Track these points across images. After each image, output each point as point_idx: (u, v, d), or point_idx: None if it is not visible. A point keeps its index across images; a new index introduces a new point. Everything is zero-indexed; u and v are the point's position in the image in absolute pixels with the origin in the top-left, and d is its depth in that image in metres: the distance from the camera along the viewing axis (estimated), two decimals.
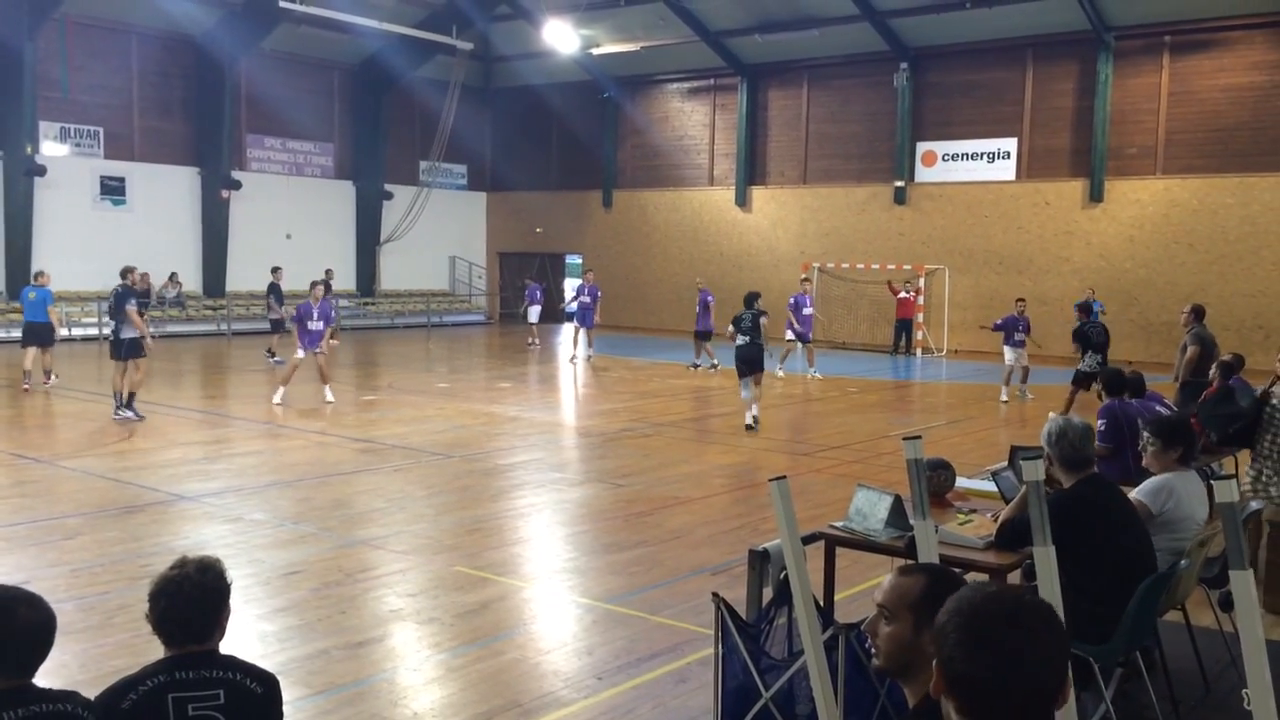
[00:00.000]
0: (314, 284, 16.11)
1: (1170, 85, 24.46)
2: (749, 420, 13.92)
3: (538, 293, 26.76)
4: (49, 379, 16.85)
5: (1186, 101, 24.29)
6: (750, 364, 13.97)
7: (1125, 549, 4.71)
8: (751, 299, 14.49)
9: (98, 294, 25.50)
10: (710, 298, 21.40)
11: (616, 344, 27.45)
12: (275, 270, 22.17)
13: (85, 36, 26.41)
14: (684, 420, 14.91)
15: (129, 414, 13.67)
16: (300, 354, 15.75)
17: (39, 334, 16.72)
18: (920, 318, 26.91)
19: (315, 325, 15.69)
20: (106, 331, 13.63)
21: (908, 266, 27.43)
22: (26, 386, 16.32)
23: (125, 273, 14.57)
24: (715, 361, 20.70)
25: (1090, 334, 14.83)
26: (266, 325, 23.01)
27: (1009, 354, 17.25)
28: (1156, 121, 24.65)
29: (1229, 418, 8.02)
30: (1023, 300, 18.36)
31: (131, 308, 13.95)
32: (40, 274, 17.33)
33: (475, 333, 31.11)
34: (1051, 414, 6.97)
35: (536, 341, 26.13)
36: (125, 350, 13.81)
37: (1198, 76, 24.15)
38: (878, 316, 28.08)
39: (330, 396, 15.66)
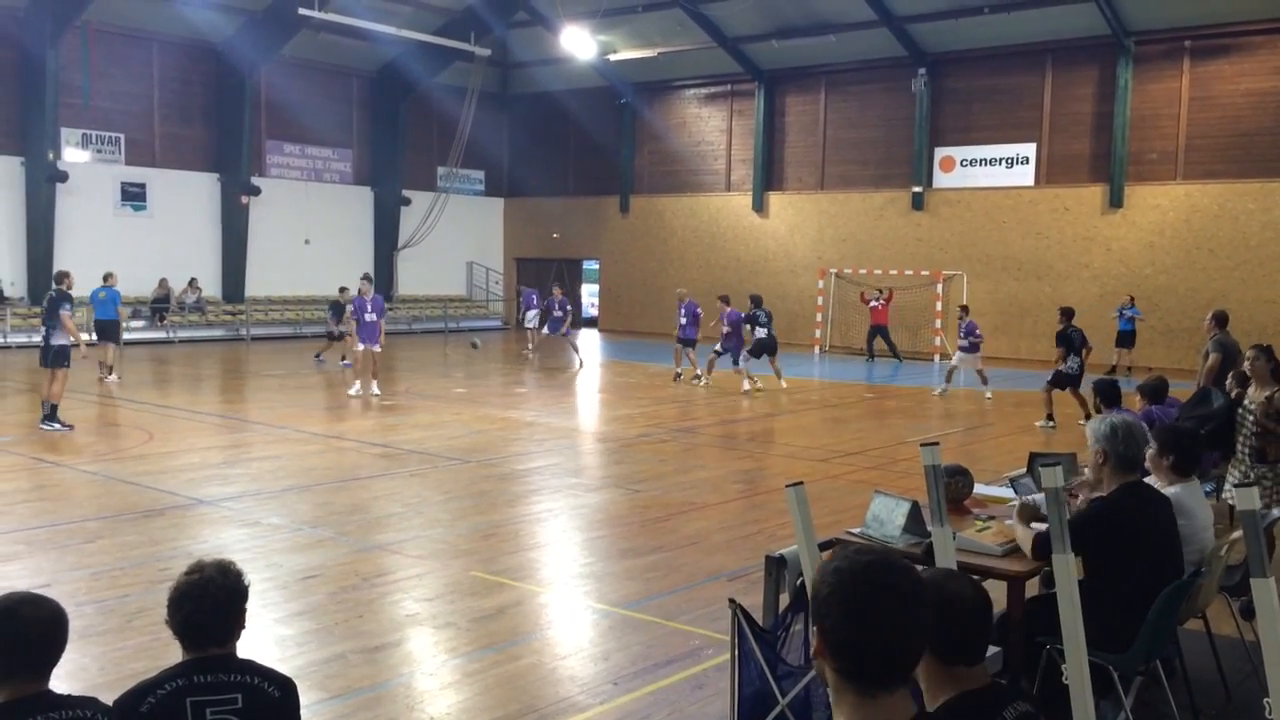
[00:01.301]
0: (364, 279, 17.50)
1: (1191, 90, 24.32)
2: (746, 386, 18.34)
3: (534, 298, 26.40)
4: (110, 374, 18.32)
5: (1207, 106, 24.15)
6: (770, 351, 18.78)
7: (1155, 559, 4.64)
8: (759, 300, 19.23)
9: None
10: (699, 309, 20.85)
11: (633, 350, 27.46)
12: (343, 290, 22.91)
13: (107, 44, 26.64)
14: (700, 425, 14.90)
15: (55, 426, 13.05)
16: (361, 347, 16.86)
17: (106, 331, 18.60)
18: (938, 324, 26.82)
19: (370, 317, 16.86)
20: (38, 338, 13.51)
21: (925, 272, 27.36)
22: (101, 377, 18.05)
23: (61, 277, 13.82)
24: (680, 371, 20.40)
25: (1073, 338, 15.47)
26: (321, 331, 24.69)
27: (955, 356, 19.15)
28: (1177, 127, 24.50)
29: (1203, 419, 7.96)
30: (964, 307, 19.71)
31: (66, 313, 13.29)
32: (109, 275, 19.03)
33: (492, 338, 31.16)
34: (1114, 412, 6.79)
35: (532, 348, 25.39)
36: (52, 358, 13.22)
37: (1219, 81, 24.00)
38: (894, 323, 27.96)
39: (376, 389, 16.80)
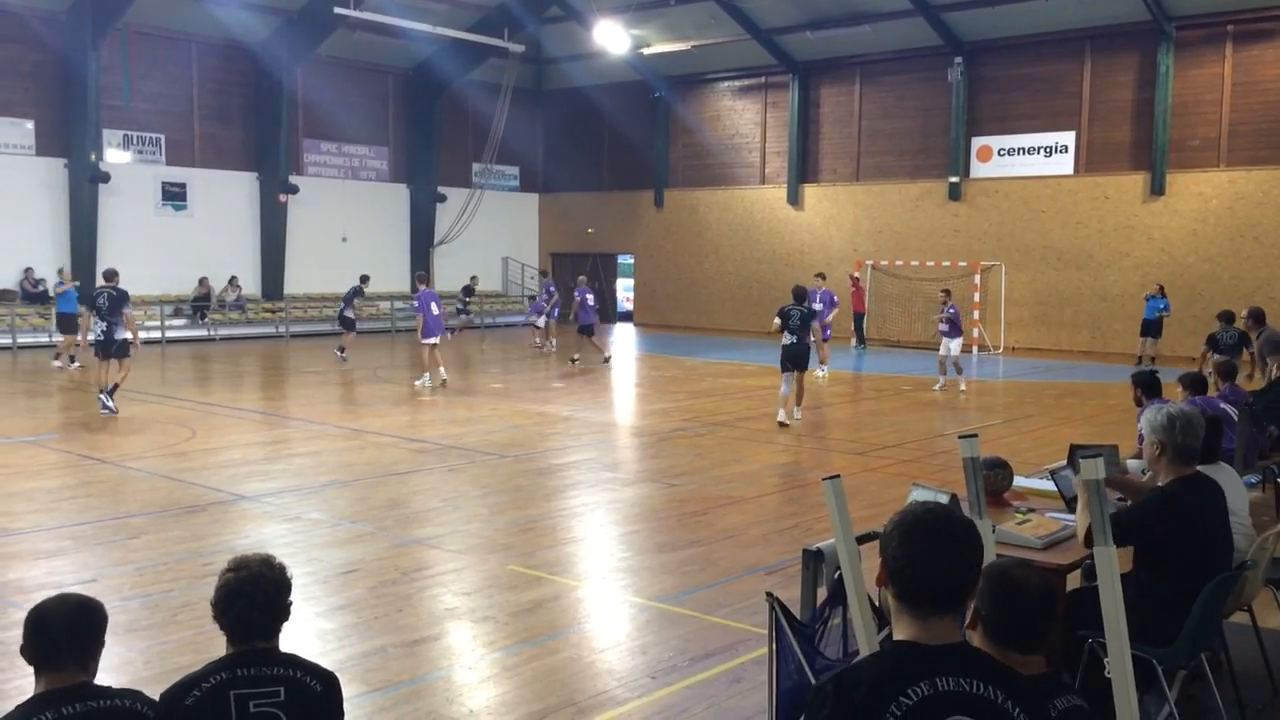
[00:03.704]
0: (423, 275, 19.14)
1: (1234, 75, 23.91)
2: (782, 417, 14.11)
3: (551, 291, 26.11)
4: (73, 362, 19.98)
5: (1251, 92, 23.74)
6: (795, 361, 14.15)
7: (1204, 553, 4.57)
8: (800, 295, 14.76)
9: (160, 298, 26.08)
10: (588, 295, 22.18)
11: (669, 343, 27.46)
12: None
13: (146, 46, 26.97)
14: (737, 419, 14.86)
15: (109, 404, 14.39)
16: (433, 339, 17.73)
17: (69, 323, 20.11)
18: (977, 315, 26.58)
19: (436, 311, 17.93)
20: (98, 333, 14.63)
21: (963, 263, 27.13)
22: (61, 366, 19.94)
23: (113, 275, 14.83)
24: (608, 354, 21.80)
25: (1218, 338, 14.70)
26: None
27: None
28: (1220, 113, 24.11)
29: None
30: (945, 291, 18.96)
31: (129, 311, 14.69)
32: (60, 270, 21.12)
33: (528, 333, 31.23)
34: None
35: (542, 343, 25.09)
36: (118, 350, 14.43)
37: (1262, 66, 23.58)
38: (932, 314, 27.79)
39: (445, 374, 17.86)
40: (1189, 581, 4.48)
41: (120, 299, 14.46)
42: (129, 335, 14.55)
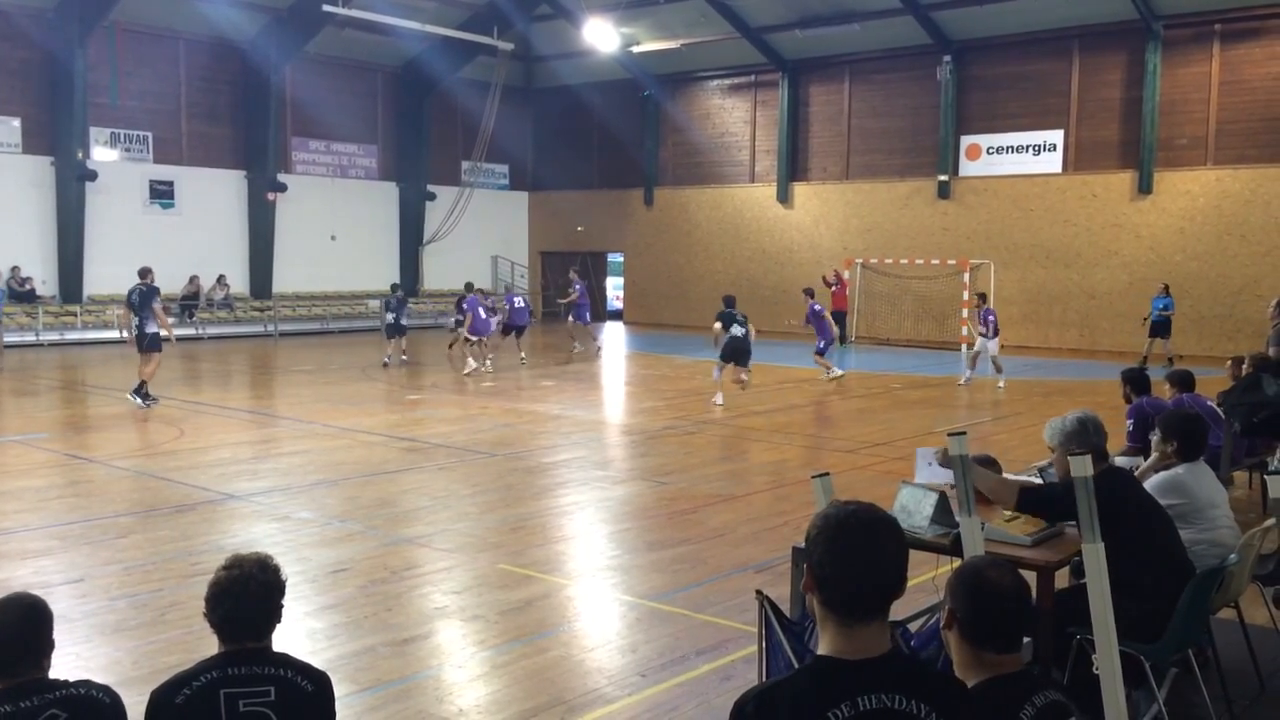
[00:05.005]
0: (470, 284, 21.37)
1: (1221, 74, 24.02)
2: (719, 400, 15.70)
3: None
4: None
5: (1238, 90, 23.84)
6: (747, 354, 16.20)
7: (1161, 542, 4.62)
8: (731, 300, 16.72)
9: None
10: (479, 308, 21.63)
11: (659, 342, 27.46)
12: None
13: (134, 44, 26.85)
14: (726, 418, 14.88)
15: (139, 401, 14.99)
16: (478, 336, 20.05)
17: None
18: (966, 313, 26.63)
19: (485, 316, 20.22)
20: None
21: (952, 261, 27.20)
22: None
23: (146, 273, 15.44)
24: (486, 360, 21.47)
25: None
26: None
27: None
28: (1207, 111, 24.21)
29: (1254, 407, 7.89)
30: (980, 295, 20.62)
31: (158, 305, 15.25)
32: None
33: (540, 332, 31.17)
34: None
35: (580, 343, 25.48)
36: (148, 343, 15.08)
37: (1249, 65, 23.69)
38: (922, 313, 27.88)
39: (474, 364, 19.94)
40: (1153, 573, 4.52)
41: (149, 294, 15.06)
42: (158, 330, 15.10)
